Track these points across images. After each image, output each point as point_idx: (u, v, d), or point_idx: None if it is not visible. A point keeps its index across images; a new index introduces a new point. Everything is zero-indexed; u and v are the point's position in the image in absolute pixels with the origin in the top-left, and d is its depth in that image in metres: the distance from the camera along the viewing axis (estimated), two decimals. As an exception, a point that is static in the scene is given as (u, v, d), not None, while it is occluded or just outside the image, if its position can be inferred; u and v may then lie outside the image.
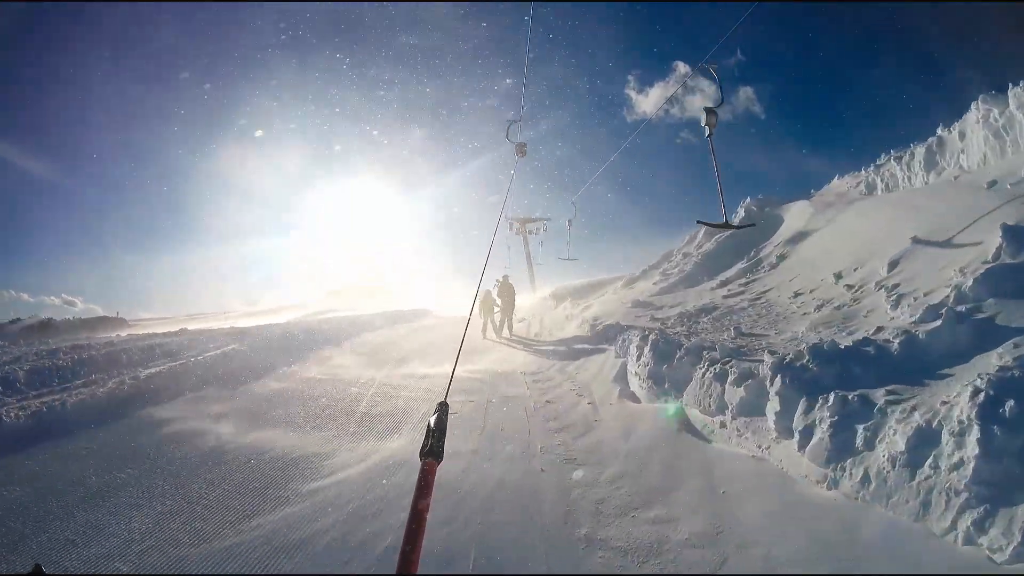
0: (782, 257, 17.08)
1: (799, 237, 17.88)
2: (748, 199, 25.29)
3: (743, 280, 16.69)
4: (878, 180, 20.73)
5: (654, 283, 20.89)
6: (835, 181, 23.70)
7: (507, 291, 19.71)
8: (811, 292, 12.21)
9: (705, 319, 13.30)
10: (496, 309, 19.74)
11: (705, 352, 8.79)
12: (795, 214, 20.75)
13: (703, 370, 8.24)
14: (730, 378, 7.45)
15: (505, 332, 19.87)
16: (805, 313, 10.71)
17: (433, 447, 1.52)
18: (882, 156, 21.09)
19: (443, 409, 1.73)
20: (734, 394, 7.21)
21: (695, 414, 8.12)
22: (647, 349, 10.15)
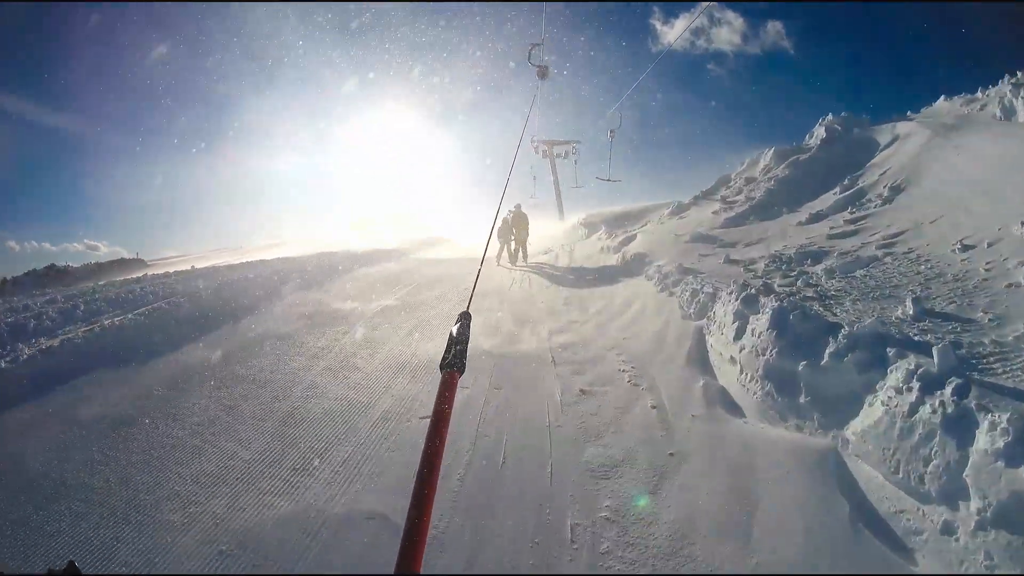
0: (897, 189, 12.73)
1: (918, 165, 13.42)
2: (829, 116, 20.42)
3: (848, 216, 12.41)
4: (1019, 102, 15.91)
5: (714, 212, 16.62)
6: (941, 102, 18.75)
7: (520, 220, 18.07)
8: (989, 245, 8.02)
9: (818, 269, 9.19)
10: (512, 237, 18.22)
11: (904, 358, 4.79)
12: (901, 137, 16.13)
13: (909, 396, 4.26)
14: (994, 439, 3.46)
15: (520, 260, 18.33)
16: (1015, 284, 6.53)
17: (454, 358, 1.41)
18: (1019, 74, 16.16)
19: (465, 319, 1.63)
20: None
21: (872, 475, 4.29)
22: (765, 322, 6.15)
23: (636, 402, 6.59)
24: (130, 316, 10.01)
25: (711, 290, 8.52)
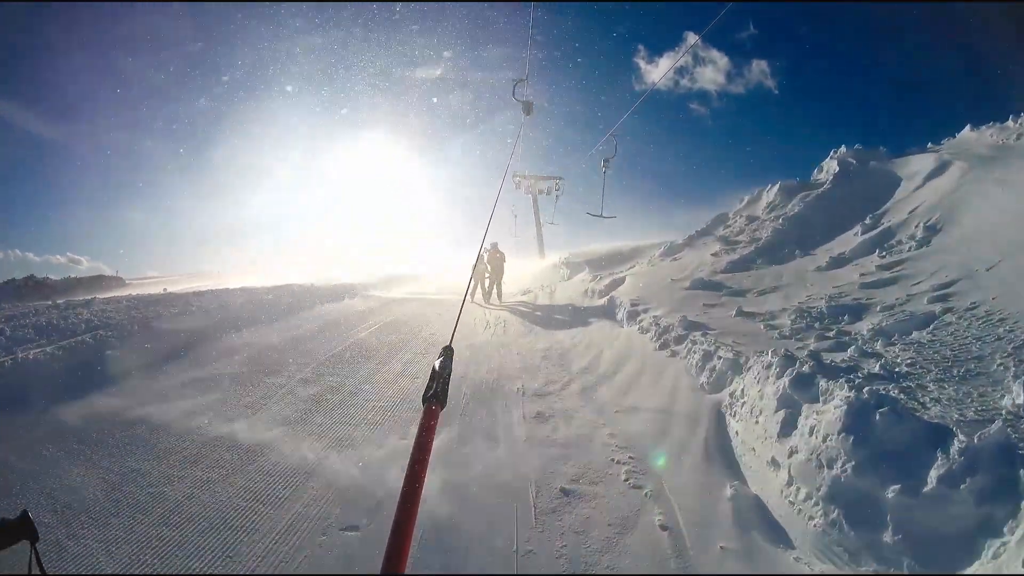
0: (933, 229, 11.03)
1: (954, 202, 11.76)
2: (843, 148, 18.89)
3: (879, 260, 10.69)
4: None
5: (713, 255, 14.84)
6: (967, 132, 17.24)
7: (496, 258, 17.90)
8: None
9: (862, 329, 7.36)
10: (486, 275, 17.96)
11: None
12: (927, 171, 14.53)
13: None
14: None
15: (494, 299, 17.97)
16: None
17: (437, 391, 1.43)
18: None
19: (448, 353, 1.62)
20: None
21: None
22: (835, 421, 4.28)
23: (639, 516, 4.72)
24: (48, 350, 8.91)
25: (731, 356, 6.63)
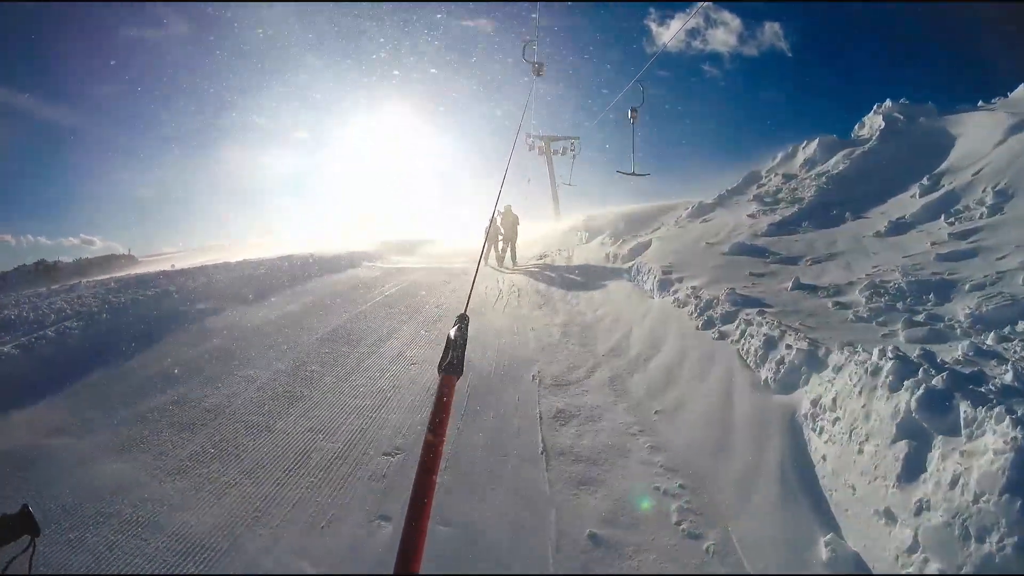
0: (1004, 194, 9.54)
1: (1024, 166, 10.22)
2: (888, 102, 17.14)
3: (949, 227, 9.21)
4: None
5: (750, 216, 13.34)
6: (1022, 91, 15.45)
7: (510, 220, 17.22)
8: None
9: (958, 313, 6.00)
10: (500, 236, 17.35)
11: None
12: (987, 129, 12.88)
13: None
14: None
15: (508, 262, 17.39)
16: None
17: (453, 361, 1.40)
18: None
19: (463, 322, 1.59)
20: None
21: None
22: (998, 474, 2.88)
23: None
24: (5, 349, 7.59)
25: (805, 345, 5.22)
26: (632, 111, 10.89)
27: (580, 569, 3.61)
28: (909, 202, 11.39)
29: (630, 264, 12.39)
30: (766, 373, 5.50)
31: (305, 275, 14.69)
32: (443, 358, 1.40)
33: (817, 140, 17.06)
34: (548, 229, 25.94)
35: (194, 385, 6.86)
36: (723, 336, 6.71)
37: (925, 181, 11.86)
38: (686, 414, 5.62)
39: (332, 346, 8.51)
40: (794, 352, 5.29)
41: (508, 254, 17.48)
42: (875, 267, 8.25)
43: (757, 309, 6.81)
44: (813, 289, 7.66)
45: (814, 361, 5.07)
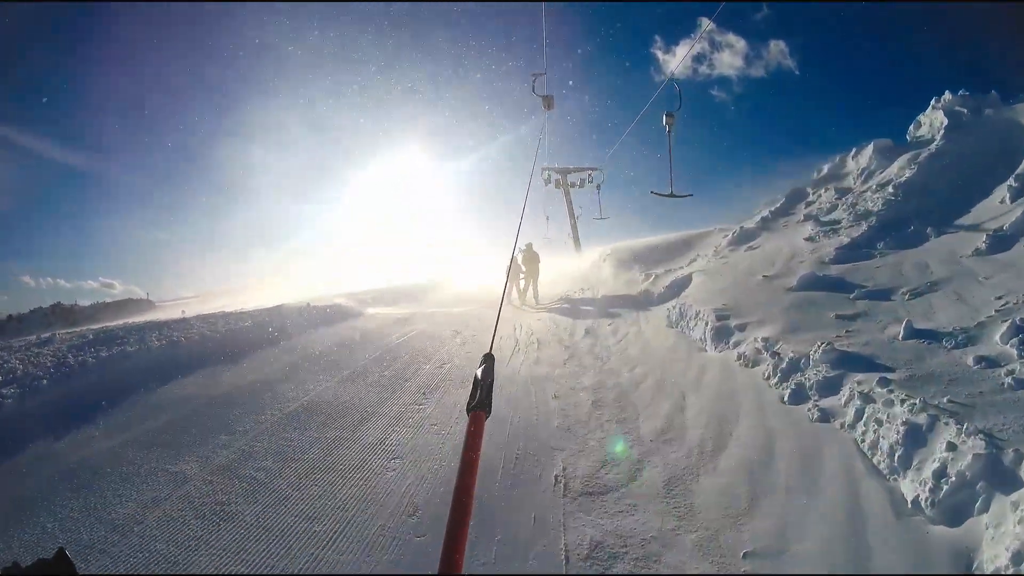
0: None
1: None
2: (947, 95, 15.10)
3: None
4: None
5: (808, 239, 11.35)
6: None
7: (531, 258, 17.28)
8: None
9: None
10: (521, 276, 17.26)
11: None
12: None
13: None
14: None
15: (531, 300, 17.09)
16: None
17: (481, 400, 1.44)
18: None
19: (489, 361, 1.62)
20: None
21: None
22: None
23: None
24: None
25: (982, 448, 3.30)
26: (667, 117, 8.96)
27: None
28: (999, 208, 9.41)
29: (672, 304, 10.46)
30: (914, 488, 3.52)
31: (294, 329, 13.08)
32: (471, 397, 1.43)
33: (871, 145, 15.06)
34: (569, 265, 24.28)
35: (91, 496, 5.13)
36: (827, 416, 4.76)
37: (1013, 183, 9.83)
38: (795, 560, 3.62)
39: (298, 428, 6.72)
40: (963, 457, 3.32)
41: (531, 292, 17.11)
42: (1000, 299, 6.22)
43: (875, 375, 4.82)
44: (934, 337, 5.65)
45: (997, 473, 3.10)
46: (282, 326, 12.89)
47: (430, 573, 0.86)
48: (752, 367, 6.41)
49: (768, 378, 5.99)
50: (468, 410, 1.40)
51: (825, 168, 16.78)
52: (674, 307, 10.13)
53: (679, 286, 11.63)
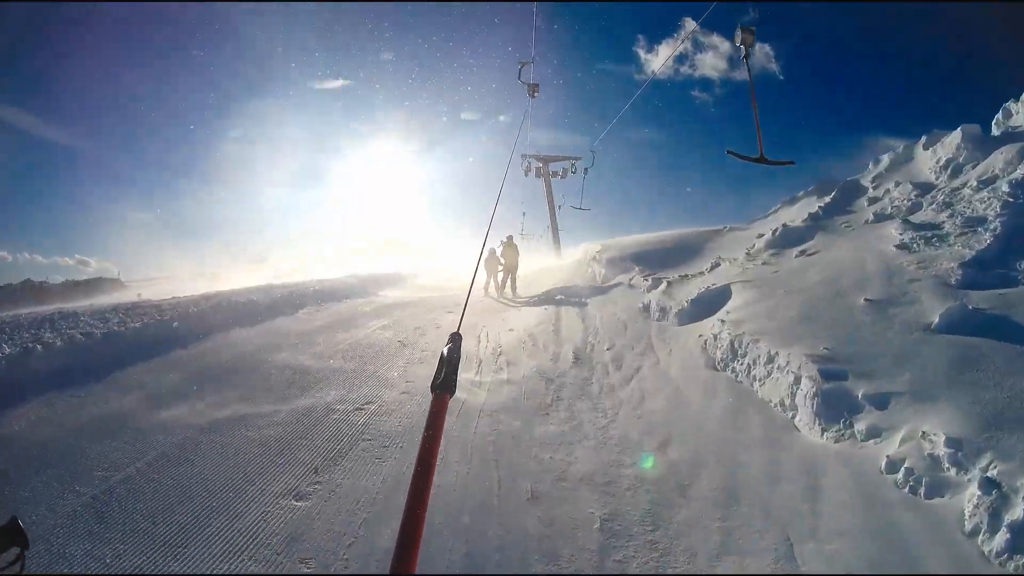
0: None
1: None
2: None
3: None
4: None
5: (900, 247, 8.06)
6: None
7: (511, 250, 16.70)
8: None
9: None
10: (500, 267, 16.76)
11: None
12: None
13: None
14: None
15: (508, 293, 16.49)
16: None
17: (446, 379, 1.37)
18: None
19: (456, 340, 1.58)
20: None
21: None
22: None
23: None
24: None
25: None
26: (743, 34, 5.45)
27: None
28: None
29: (710, 329, 7.17)
30: None
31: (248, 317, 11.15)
32: (435, 376, 1.38)
33: (957, 133, 11.86)
34: (548, 264, 21.28)
35: None
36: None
37: None
38: None
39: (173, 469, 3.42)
40: None
41: (508, 284, 16.55)
42: None
43: None
44: None
45: None
46: (235, 313, 11.04)
47: (385, 573, 0.74)
48: (928, 496, 3.15)
49: (979, 532, 2.74)
50: (432, 388, 1.35)
51: (885, 158, 13.68)
52: (716, 335, 6.82)
53: (711, 301, 8.32)
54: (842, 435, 4.44)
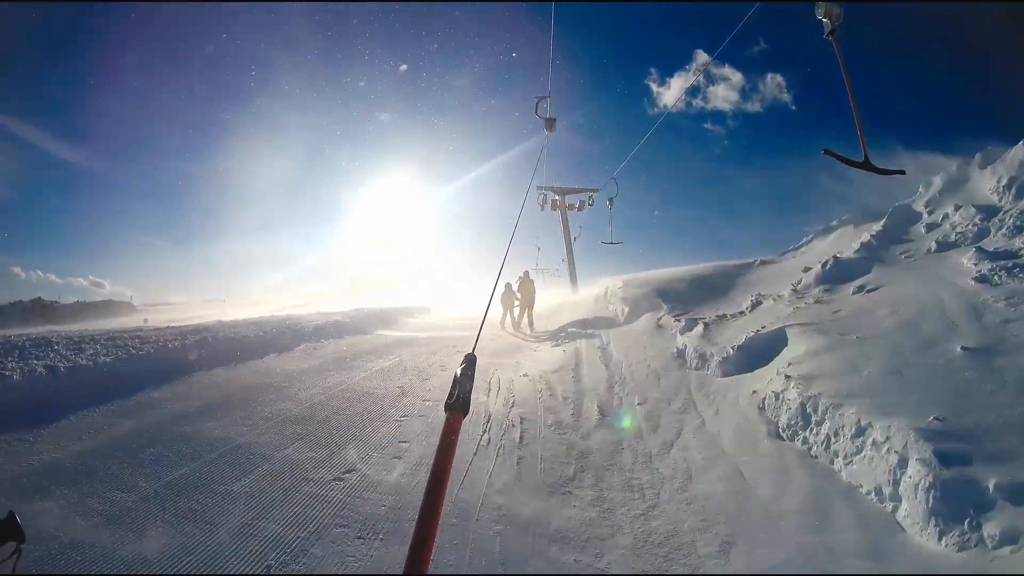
0: None
1: None
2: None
3: None
4: None
5: (978, 279, 6.93)
6: None
7: (527, 286, 17.08)
8: None
9: None
10: (516, 302, 17.07)
11: None
12: None
13: None
14: None
15: (525, 328, 16.51)
16: None
17: (459, 399, 1.39)
18: None
19: (470, 361, 1.58)
20: None
21: None
22: None
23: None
24: None
25: None
26: (826, 8, 4.28)
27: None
28: None
29: (769, 385, 6.00)
30: None
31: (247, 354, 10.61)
32: (449, 396, 1.40)
33: (1021, 148, 10.71)
34: (565, 298, 20.33)
35: None
36: None
37: None
38: None
39: None
40: None
41: (525, 319, 16.81)
42: None
43: None
44: None
45: None
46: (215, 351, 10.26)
47: (396, 574, 0.79)
48: None
49: None
50: (446, 408, 1.37)
51: (937, 180, 12.55)
52: (778, 394, 5.65)
53: (763, 348, 7.16)
54: (967, 541, 3.27)
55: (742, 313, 9.48)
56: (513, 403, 7.76)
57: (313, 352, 11.54)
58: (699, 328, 8.97)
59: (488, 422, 6.94)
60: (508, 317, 16.95)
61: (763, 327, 7.73)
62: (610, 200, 18.57)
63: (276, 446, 5.88)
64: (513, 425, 6.84)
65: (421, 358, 11.00)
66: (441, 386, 8.62)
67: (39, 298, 46.82)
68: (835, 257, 10.04)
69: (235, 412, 6.99)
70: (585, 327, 13.69)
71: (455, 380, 1.44)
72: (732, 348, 7.48)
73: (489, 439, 6.31)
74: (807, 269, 10.41)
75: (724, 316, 9.55)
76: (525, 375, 9.39)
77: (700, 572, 3.40)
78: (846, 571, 3.43)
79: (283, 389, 8.25)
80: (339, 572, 3.63)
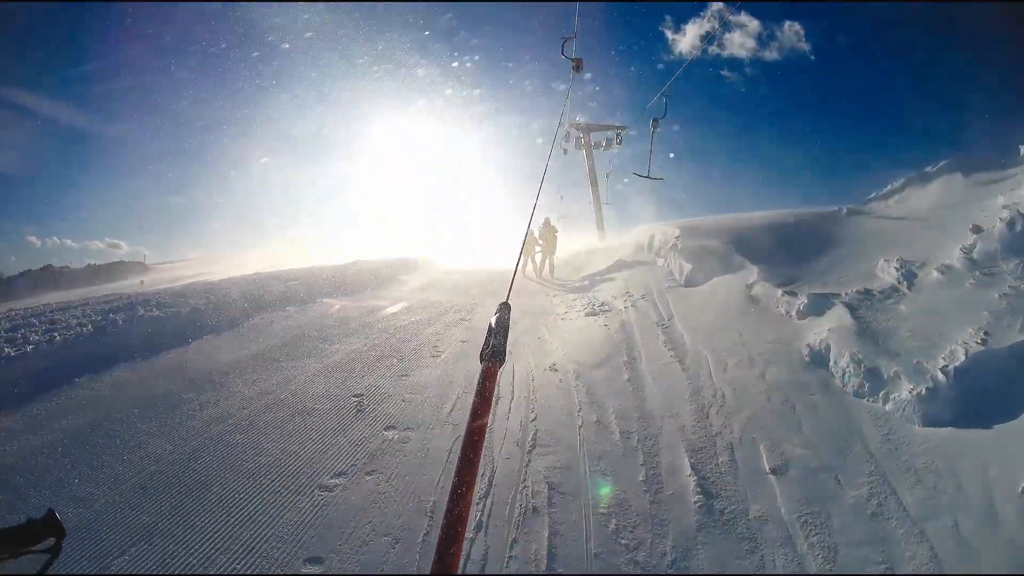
0: None
1: None
2: None
3: None
4: None
5: None
6: None
7: (549, 232, 16.82)
8: None
9: None
10: (537, 248, 16.88)
11: None
12: None
13: None
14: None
15: (547, 274, 16.52)
16: None
17: (495, 348, 1.36)
18: None
19: (505, 309, 1.57)
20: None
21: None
22: None
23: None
24: None
25: None
26: None
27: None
28: None
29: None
30: None
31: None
32: (484, 345, 1.37)
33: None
34: (594, 245, 18.78)
35: None
36: None
37: None
38: None
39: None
40: None
41: (547, 265, 16.68)
42: None
43: None
44: None
45: None
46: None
47: (423, 573, 0.73)
48: None
49: None
50: (481, 358, 1.33)
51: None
52: None
53: (997, 382, 3.97)
54: None
55: (896, 290, 6.29)
56: (535, 437, 4.73)
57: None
58: (840, 313, 5.80)
59: (490, 489, 3.95)
60: (530, 263, 16.67)
61: (984, 334, 4.50)
62: (654, 122, 14.59)
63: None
64: (535, 510, 3.80)
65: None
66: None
67: (49, 265, 45.21)
68: (1021, 213, 6.65)
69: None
70: (627, 288, 10.49)
71: (489, 330, 1.42)
72: (942, 373, 4.29)
73: (486, 549, 3.34)
74: (978, 229, 7.07)
75: (870, 293, 6.35)
76: (553, 367, 6.42)
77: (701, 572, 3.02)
78: None
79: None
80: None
